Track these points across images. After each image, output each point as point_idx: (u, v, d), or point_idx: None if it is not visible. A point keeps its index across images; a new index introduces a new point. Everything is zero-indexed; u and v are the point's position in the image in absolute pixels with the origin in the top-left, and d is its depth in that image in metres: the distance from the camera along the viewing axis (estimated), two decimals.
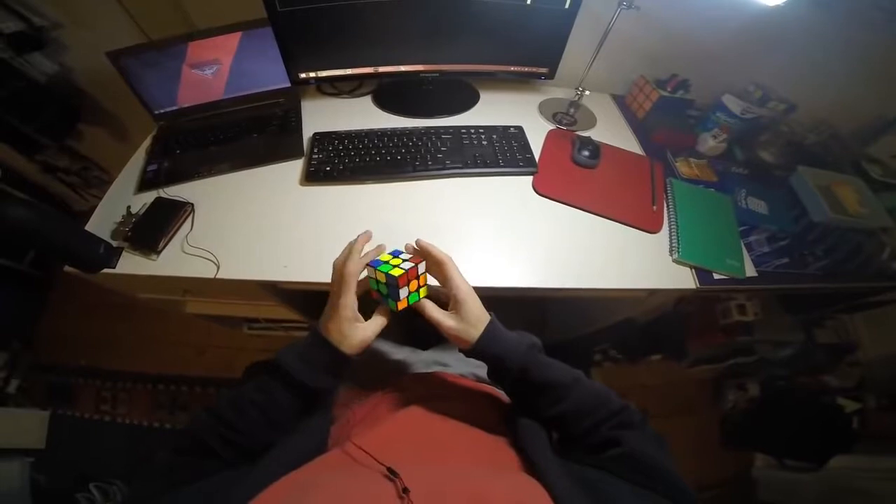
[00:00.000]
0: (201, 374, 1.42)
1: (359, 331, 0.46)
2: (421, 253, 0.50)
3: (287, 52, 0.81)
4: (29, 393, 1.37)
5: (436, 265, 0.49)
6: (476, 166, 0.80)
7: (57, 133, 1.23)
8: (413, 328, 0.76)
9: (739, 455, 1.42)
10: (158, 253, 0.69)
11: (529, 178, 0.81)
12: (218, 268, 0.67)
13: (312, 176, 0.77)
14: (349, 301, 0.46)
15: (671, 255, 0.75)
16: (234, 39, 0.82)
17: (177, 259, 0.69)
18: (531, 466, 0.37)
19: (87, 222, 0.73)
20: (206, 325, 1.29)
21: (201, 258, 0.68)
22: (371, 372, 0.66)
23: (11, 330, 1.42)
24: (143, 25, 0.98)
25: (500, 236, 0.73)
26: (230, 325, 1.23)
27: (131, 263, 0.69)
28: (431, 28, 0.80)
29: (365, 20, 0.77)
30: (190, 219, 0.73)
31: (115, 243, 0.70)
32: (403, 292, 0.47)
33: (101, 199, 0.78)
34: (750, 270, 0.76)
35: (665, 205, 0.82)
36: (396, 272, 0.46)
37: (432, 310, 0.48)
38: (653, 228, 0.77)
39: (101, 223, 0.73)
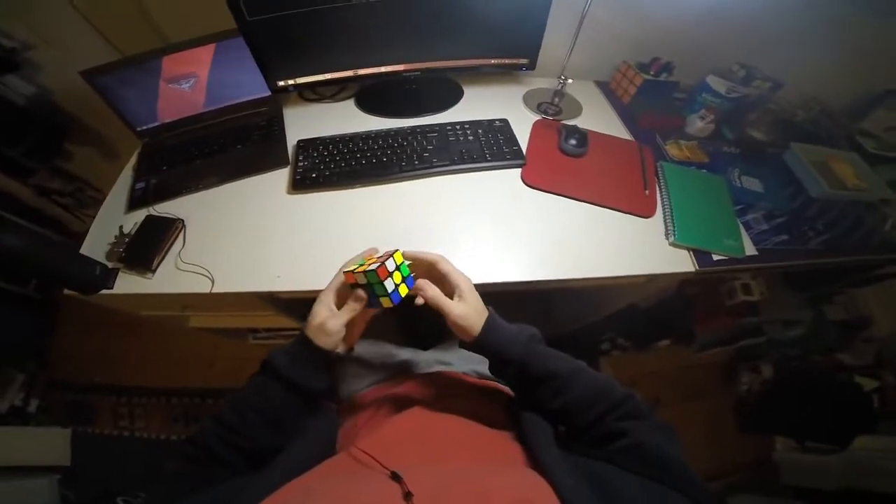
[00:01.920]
0: (212, 386, 1.45)
1: (328, 321, 0.45)
2: (412, 261, 0.49)
3: (262, 60, 0.80)
4: (49, 412, 1.40)
5: (429, 267, 0.49)
6: (463, 162, 0.79)
7: (44, 155, 1.21)
8: (413, 330, 0.77)
9: (758, 439, 1.40)
10: (153, 271, 0.70)
11: (518, 171, 0.80)
12: (213, 282, 0.68)
13: (299, 184, 0.77)
14: (324, 296, 0.47)
15: (667, 238, 0.74)
16: (208, 51, 0.82)
17: (172, 276, 0.70)
18: (536, 462, 0.37)
19: (81, 244, 0.74)
20: (213, 338, 1.30)
21: (196, 274, 0.69)
22: (375, 374, 0.67)
23: (26, 351, 1.45)
24: (114, 42, 0.96)
25: (493, 231, 0.73)
26: (235, 337, 1.25)
27: (128, 283, 0.70)
28: (408, 27, 0.80)
29: (338, 24, 0.76)
30: (182, 235, 0.73)
31: (110, 264, 0.71)
32: (389, 285, 0.45)
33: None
34: (749, 249, 0.75)
35: (657, 188, 0.81)
36: (374, 267, 0.44)
37: (437, 296, 0.46)
38: (646, 213, 0.76)
39: (95, 244, 0.73)
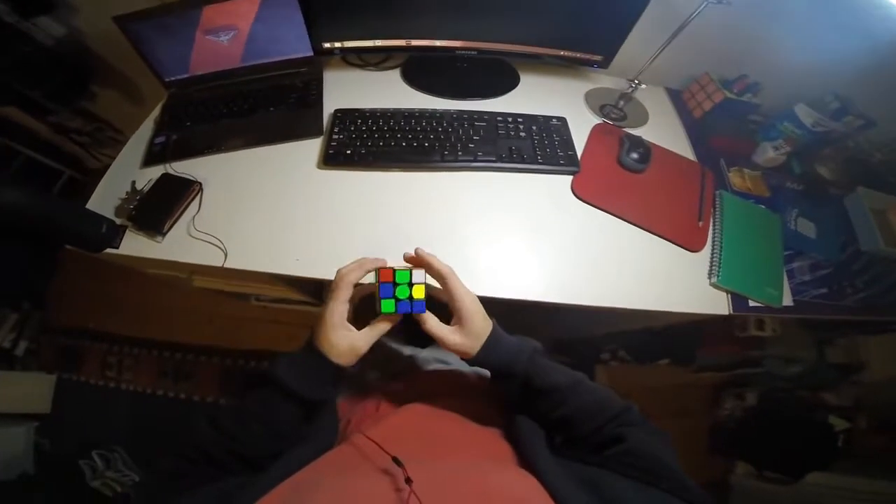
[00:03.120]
0: (208, 343, 1.41)
1: (346, 339, 0.45)
2: (421, 263, 0.48)
3: (311, 18, 0.73)
4: (36, 355, 1.37)
5: (437, 278, 0.48)
6: (511, 161, 0.72)
7: (66, 98, 1.18)
8: (411, 329, 0.75)
9: (722, 461, 1.42)
10: (164, 235, 0.65)
11: (568, 178, 0.74)
12: (226, 256, 0.63)
13: (331, 159, 0.70)
14: (336, 307, 0.45)
15: (709, 278, 0.69)
16: (253, 2, 0.74)
17: (183, 242, 0.65)
18: (529, 464, 0.38)
19: (91, 193, 0.69)
20: (215, 296, 1.26)
21: (208, 244, 0.64)
22: (375, 372, 0.66)
23: (22, 290, 1.39)
24: None
25: (527, 241, 0.68)
26: (238, 298, 1.21)
27: (135, 244, 0.65)
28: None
29: None
30: (198, 198, 0.68)
31: (118, 221, 0.66)
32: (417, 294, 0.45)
33: (113, 158, 0.75)
34: (787, 299, 0.71)
35: (711, 221, 0.75)
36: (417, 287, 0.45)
37: (435, 326, 0.47)
38: (695, 248, 0.71)
39: (105, 198, 0.68)
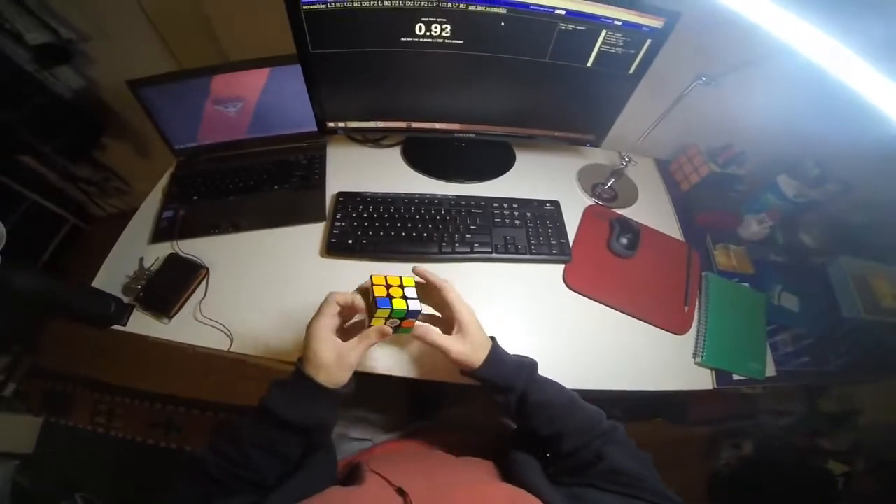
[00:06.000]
0: (202, 398, 1.40)
1: (333, 350, 0.44)
2: (420, 278, 0.51)
3: (317, 97, 0.76)
4: (24, 398, 1.35)
5: (434, 290, 0.50)
6: (506, 252, 0.75)
7: (78, 152, 1.19)
8: (419, 393, 0.79)
9: None
10: (170, 318, 0.67)
11: (561, 267, 0.77)
12: (231, 341, 0.65)
13: (334, 248, 0.73)
14: (323, 321, 0.45)
15: (694, 358, 0.72)
16: (261, 76, 0.77)
17: (188, 326, 0.67)
18: (523, 483, 0.40)
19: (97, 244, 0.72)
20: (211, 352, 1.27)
21: (214, 328, 0.66)
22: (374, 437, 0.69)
23: (15, 332, 1.39)
24: (173, 48, 0.94)
25: (520, 327, 0.70)
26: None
27: (142, 323, 0.67)
28: (476, 86, 0.75)
29: (405, 71, 0.72)
30: (205, 283, 0.70)
31: (126, 300, 0.68)
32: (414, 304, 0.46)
33: (118, 208, 0.79)
34: (770, 369, 0.74)
35: (697, 304, 0.78)
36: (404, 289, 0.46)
37: (438, 336, 0.49)
38: (680, 331, 0.74)
39: (113, 272, 0.71)
